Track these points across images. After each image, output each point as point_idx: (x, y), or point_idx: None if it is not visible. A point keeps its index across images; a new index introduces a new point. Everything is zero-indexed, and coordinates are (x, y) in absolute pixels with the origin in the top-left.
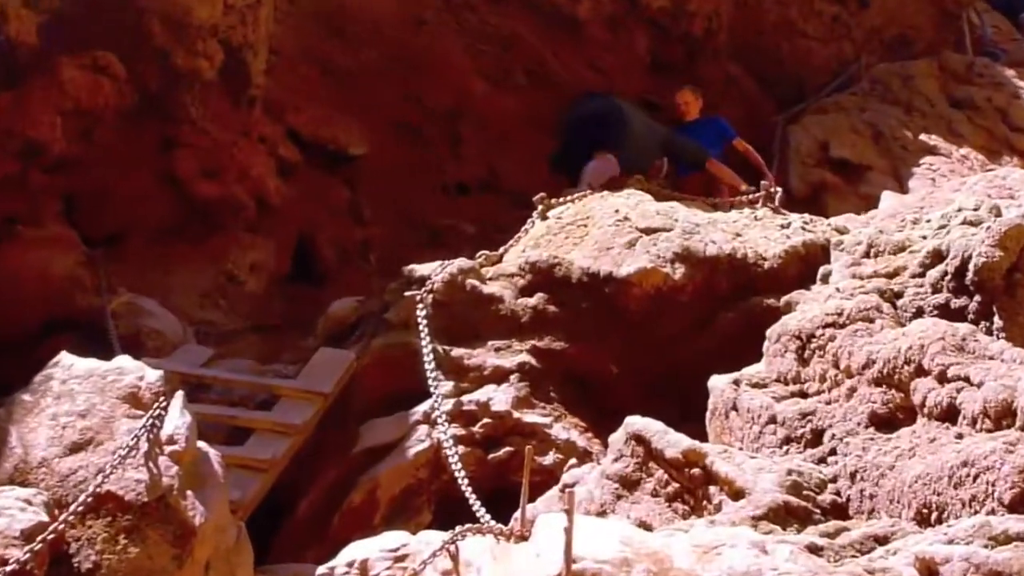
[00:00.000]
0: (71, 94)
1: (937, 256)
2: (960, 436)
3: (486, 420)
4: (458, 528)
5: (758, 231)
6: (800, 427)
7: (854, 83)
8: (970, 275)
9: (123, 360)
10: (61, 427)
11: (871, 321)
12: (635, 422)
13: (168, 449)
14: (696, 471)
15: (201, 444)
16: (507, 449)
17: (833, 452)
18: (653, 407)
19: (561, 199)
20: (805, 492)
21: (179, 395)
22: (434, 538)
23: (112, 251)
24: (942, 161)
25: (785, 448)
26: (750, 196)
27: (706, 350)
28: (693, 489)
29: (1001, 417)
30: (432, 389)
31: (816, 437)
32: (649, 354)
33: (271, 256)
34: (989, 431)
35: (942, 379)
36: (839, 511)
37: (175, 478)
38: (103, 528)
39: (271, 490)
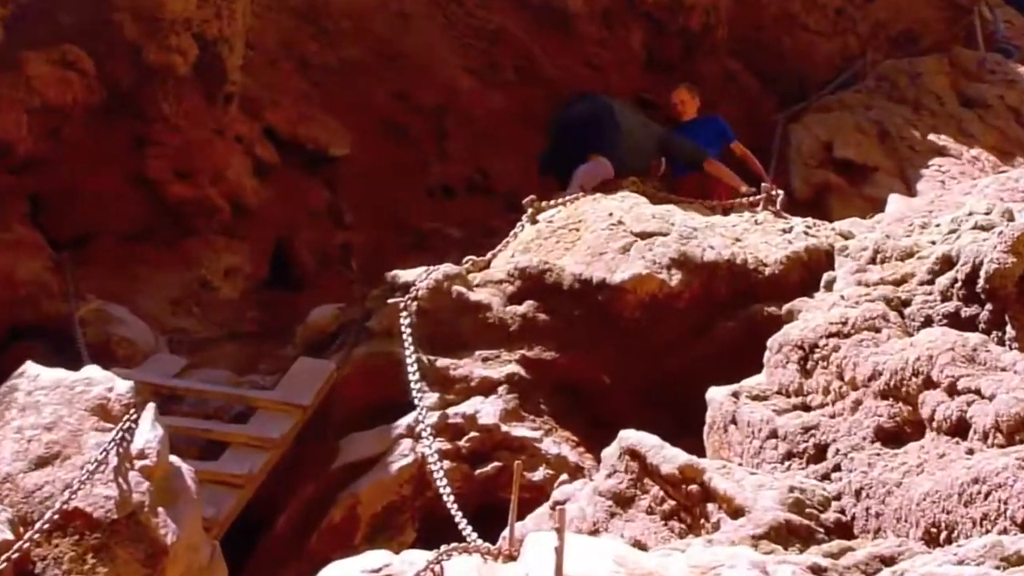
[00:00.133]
0: (38, 91)
1: (947, 262)
2: (971, 451)
3: (473, 434)
4: (443, 547)
5: (758, 236)
6: (803, 442)
7: (859, 80)
8: (981, 282)
9: (92, 370)
10: (26, 440)
11: (877, 330)
12: (629, 436)
13: (139, 464)
14: (693, 488)
15: (173, 459)
16: (495, 464)
17: (837, 468)
18: (648, 420)
19: (552, 202)
20: (808, 510)
21: (150, 407)
22: (418, 558)
23: (80, 255)
24: (952, 162)
25: (787, 464)
26: (750, 199)
27: (704, 361)
28: (690, 507)
29: (1014, 432)
30: (416, 401)
31: (819, 452)
32: (644, 365)
33: (247, 261)
34: (1001, 446)
35: (952, 392)
36: (843, 530)
37: (146, 494)
38: (70, 547)
39: (247, 507)
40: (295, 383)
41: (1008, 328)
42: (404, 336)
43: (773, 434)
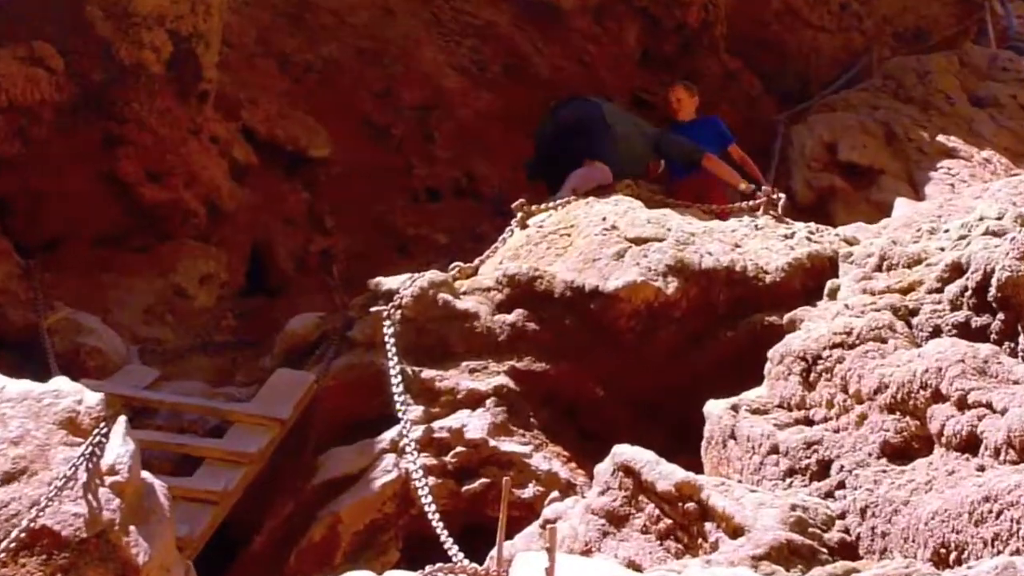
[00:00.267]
0: (4, 88)
1: (956, 270)
2: (982, 468)
3: (459, 448)
4: (428, 568)
5: (759, 241)
6: (805, 458)
7: (865, 78)
8: (992, 291)
9: (60, 382)
10: None
11: (883, 341)
12: (623, 451)
13: (109, 480)
14: (690, 506)
15: (145, 474)
16: (482, 481)
17: (841, 485)
18: (643, 435)
19: (543, 206)
20: (811, 529)
21: (121, 420)
22: None
23: (49, 261)
24: (962, 165)
25: (788, 481)
26: (750, 203)
27: (702, 372)
28: (687, 525)
29: None
30: (400, 414)
31: (823, 469)
32: (639, 376)
33: (223, 267)
34: (1014, 463)
35: (962, 405)
36: (848, 550)
37: (117, 512)
38: (38, 566)
39: (222, 525)
40: (273, 395)
41: (1021, 339)
42: (387, 346)
43: (774, 450)
